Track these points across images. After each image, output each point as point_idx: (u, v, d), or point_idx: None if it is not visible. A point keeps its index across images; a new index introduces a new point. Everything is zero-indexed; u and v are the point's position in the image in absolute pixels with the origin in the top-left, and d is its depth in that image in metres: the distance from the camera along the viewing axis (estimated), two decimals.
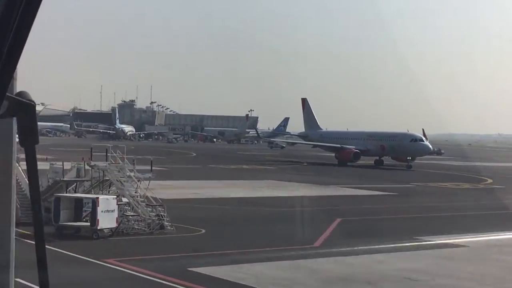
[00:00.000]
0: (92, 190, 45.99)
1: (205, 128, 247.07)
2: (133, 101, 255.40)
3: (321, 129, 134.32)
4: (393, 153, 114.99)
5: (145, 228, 42.67)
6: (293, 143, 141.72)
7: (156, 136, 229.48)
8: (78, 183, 47.02)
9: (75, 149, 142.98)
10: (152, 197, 45.75)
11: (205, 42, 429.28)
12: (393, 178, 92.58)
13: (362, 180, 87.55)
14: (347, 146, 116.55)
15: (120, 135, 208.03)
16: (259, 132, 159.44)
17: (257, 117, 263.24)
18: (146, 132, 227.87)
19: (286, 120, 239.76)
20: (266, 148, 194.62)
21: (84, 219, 42.35)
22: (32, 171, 2.55)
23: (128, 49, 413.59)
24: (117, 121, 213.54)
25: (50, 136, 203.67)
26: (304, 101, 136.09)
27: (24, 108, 2.42)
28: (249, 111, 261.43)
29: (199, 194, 64.27)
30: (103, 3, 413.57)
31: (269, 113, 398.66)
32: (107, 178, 46.26)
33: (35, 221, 2.76)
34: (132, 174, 45.65)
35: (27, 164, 2.54)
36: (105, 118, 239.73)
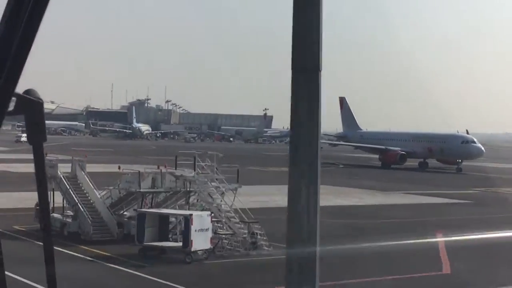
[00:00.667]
0: (177, 204, 40.32)
1: (221, 127, 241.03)
2: (148, 99, 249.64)
3: (360, 129, 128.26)
4: (441, 156, 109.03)
5: (239, 248, 36.92)
6: (334, 144, 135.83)
7: (171, 136, 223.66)
8: (154, 194, 41.21)
9: (97, 149, 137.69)
10: (239, 208, 40.12)
11: (216, 40, 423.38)
12: (449, 183, 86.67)
13: (418, 185, 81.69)
14: (392, 148, 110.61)
15: (137, 134, 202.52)
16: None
17: (272, 116, 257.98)
18: (162, 131, 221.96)
19: None
20: (286, 148, 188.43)
21: (170, 238, 36.63)
22: (40, 169, 2.53)
23: (138, 47, 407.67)
24: (134, 120, 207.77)
25: (65, 135, 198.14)
26: (342, 100, 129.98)
27: (32, 106, 2.39)
28: (264, 110, 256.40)
29: (266, 202, 58.43)
30: (111, 1, 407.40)
31: (283, 112, 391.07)
32: (189, 189, 40.58)
33: (43, 218, 2.66)
34: (217, 184, 39.94)
35: (34, 162, 2.50)
36: (119, 116, 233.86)
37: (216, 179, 40.46)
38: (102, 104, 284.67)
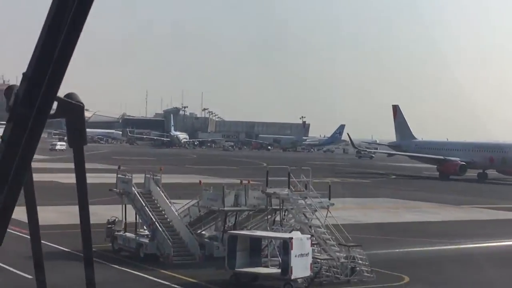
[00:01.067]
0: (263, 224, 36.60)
1: (259, 135, 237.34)
2: (185, 107, 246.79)
3: (415, 138, 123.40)
4: (503, 166, 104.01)
5: (338, 274, 32.99)
6: (390, 154, 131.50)
7: (208, 144, 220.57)
8: (237, 213, 37.47)
9: (139, 158, 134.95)
10: (331, 224, 36.27)
11: (250, 47, 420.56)
12: None
13: (487, 198, 76.99)
14: (452, 158, 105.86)
15: (175, 143, 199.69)
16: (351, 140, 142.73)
17: (309, 124, 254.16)
18: (200, 139, 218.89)
19: (341, 127, 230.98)
20: (327, 156, 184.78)
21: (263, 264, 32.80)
22: (80, 172, 2.57)
23: (172, 54, 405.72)
24: (172, 128, 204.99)
25: (102, 143, 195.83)
26: (396, 108, 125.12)
27: (73, 110, 2.48)
28: (301, 118, 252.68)
29: (336, 218, 54.29)
30: (147, 8, 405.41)
31: (320, 120, 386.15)
32: (275, 207, 36.84)
33: (83, 222, 2.72)
34: (310, 202, 36.14)
35: (75, 165, 2.54)
36: (155, 124, 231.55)
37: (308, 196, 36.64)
38: (136, 111, 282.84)
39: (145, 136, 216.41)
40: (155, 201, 38.15)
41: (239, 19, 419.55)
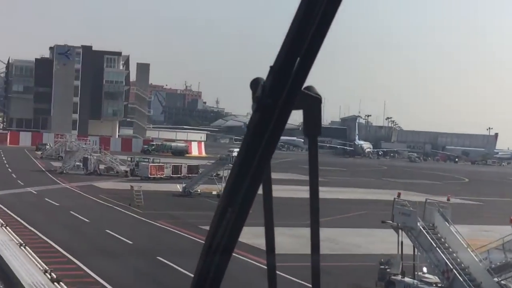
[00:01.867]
0: None
1: (446, 147, 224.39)
2: (368, 115, 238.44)
3: None
4: None
5: None
6: None
7: (392, 154, 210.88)
8: None
9: (327, 168, 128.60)
10: None
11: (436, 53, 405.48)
12: None
13: None
14: None
15: (359, 152, 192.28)
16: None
17: (497, 135, 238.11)
18: (384, 149, 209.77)
19: None
20: None
21: None
22: (313, 161, 2.50)
23: (347, 62, 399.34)
24: (356, 137, 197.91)
25: (284, 151, 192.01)
26: None
27: (311, 101, 2.48)
28: (488, 129, 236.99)
29: None
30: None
31: (506, 131, 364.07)
32: None
33: (313, 226, 2.50)
34: None
35: (309, 154, 2.50)
36: (336, 132, 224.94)
37: None
38: None
39: (327, 145, 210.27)
40: (442, 240, 30.40)
41: (420, 22, 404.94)
